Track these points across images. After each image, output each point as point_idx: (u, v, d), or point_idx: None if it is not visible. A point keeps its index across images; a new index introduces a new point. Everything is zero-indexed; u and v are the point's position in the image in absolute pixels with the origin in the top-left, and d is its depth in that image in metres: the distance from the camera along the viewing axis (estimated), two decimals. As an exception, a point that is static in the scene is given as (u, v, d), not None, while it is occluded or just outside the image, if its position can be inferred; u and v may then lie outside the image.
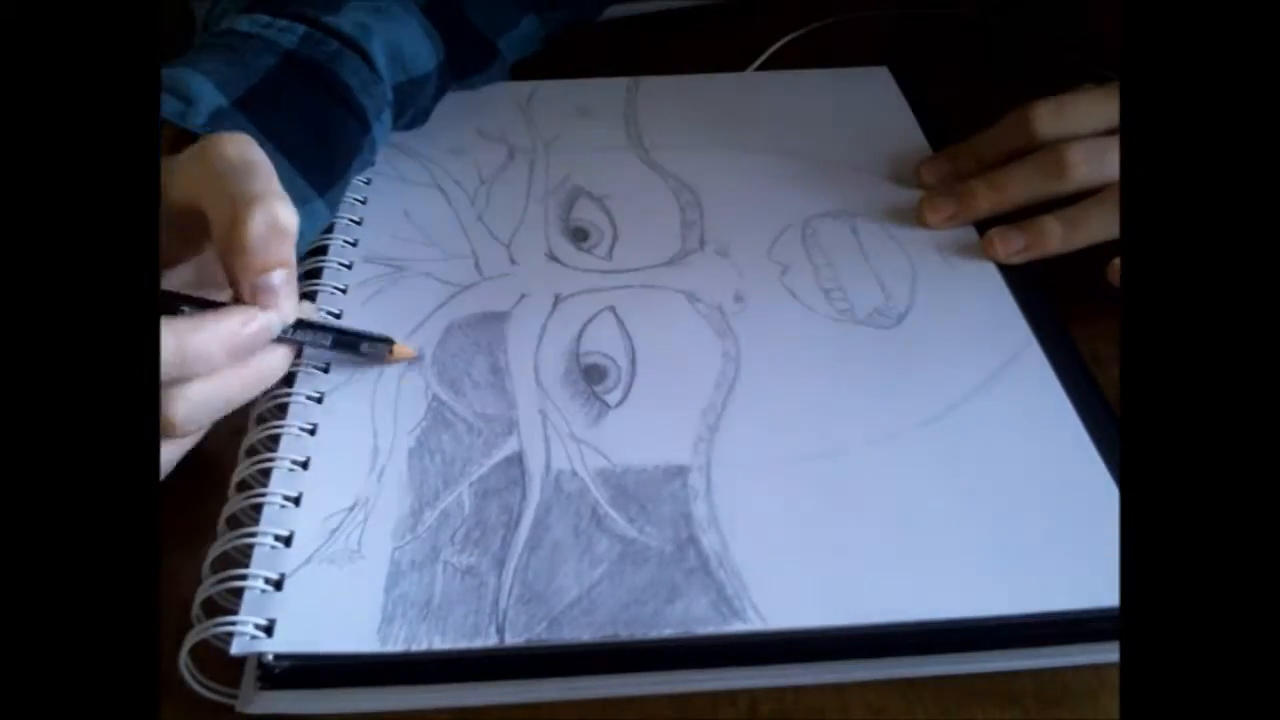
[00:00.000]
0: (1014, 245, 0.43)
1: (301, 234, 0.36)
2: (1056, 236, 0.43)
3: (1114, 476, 0.34)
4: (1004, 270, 0.43)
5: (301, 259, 0.43)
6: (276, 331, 0.35)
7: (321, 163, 0.43)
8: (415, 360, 0.39)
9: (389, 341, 0.38)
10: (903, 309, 0.41)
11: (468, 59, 0.53)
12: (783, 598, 0.31)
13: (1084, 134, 0.44)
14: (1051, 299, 0.42)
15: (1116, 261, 0.41)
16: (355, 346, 0.38)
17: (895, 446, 0.36)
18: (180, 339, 0.32)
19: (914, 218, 0.46)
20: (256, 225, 0.33)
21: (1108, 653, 0.30)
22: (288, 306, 0.35)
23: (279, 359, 0.36)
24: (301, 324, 0.36)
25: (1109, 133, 0.44)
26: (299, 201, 0.39)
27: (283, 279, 0.34)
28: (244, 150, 0.35)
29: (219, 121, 0.39)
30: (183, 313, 0.34)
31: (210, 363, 0.33)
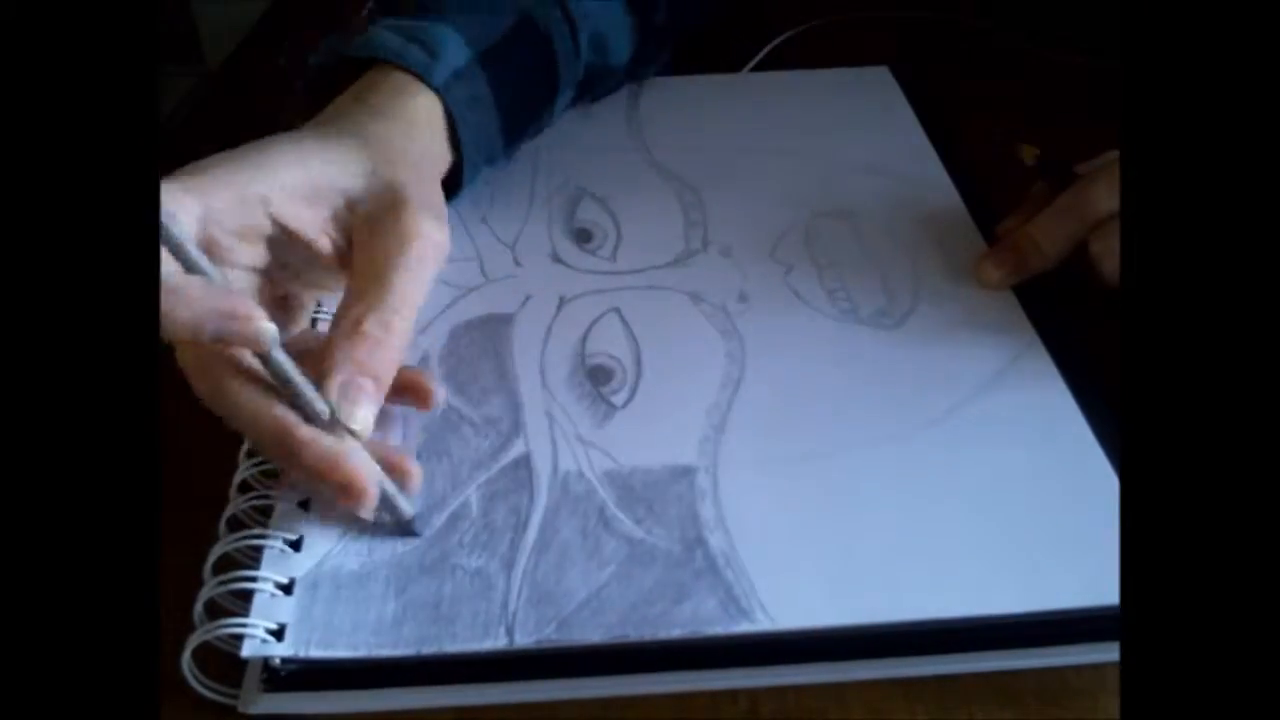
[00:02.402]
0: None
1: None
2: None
3: (1116, 475, 0.35)
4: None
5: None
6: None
7: (519, 124, 0.46)
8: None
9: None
10: (906, 309, 0.42)
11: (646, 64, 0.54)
12: (791, 597, 0.31)
13: None
14: (1054, 299, 0.42)
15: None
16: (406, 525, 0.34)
17: (899, 446, 0.36)
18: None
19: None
20: (404, 319, 0.33)
21: (1108, 652, 0.31)
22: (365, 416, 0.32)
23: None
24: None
25: None
26: (490, 158, 0.45)
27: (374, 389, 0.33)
28: (431, 253, 0.35)
29: (456, 82, 0.42)
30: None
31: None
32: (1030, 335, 0.40)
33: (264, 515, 0.33)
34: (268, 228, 0.35)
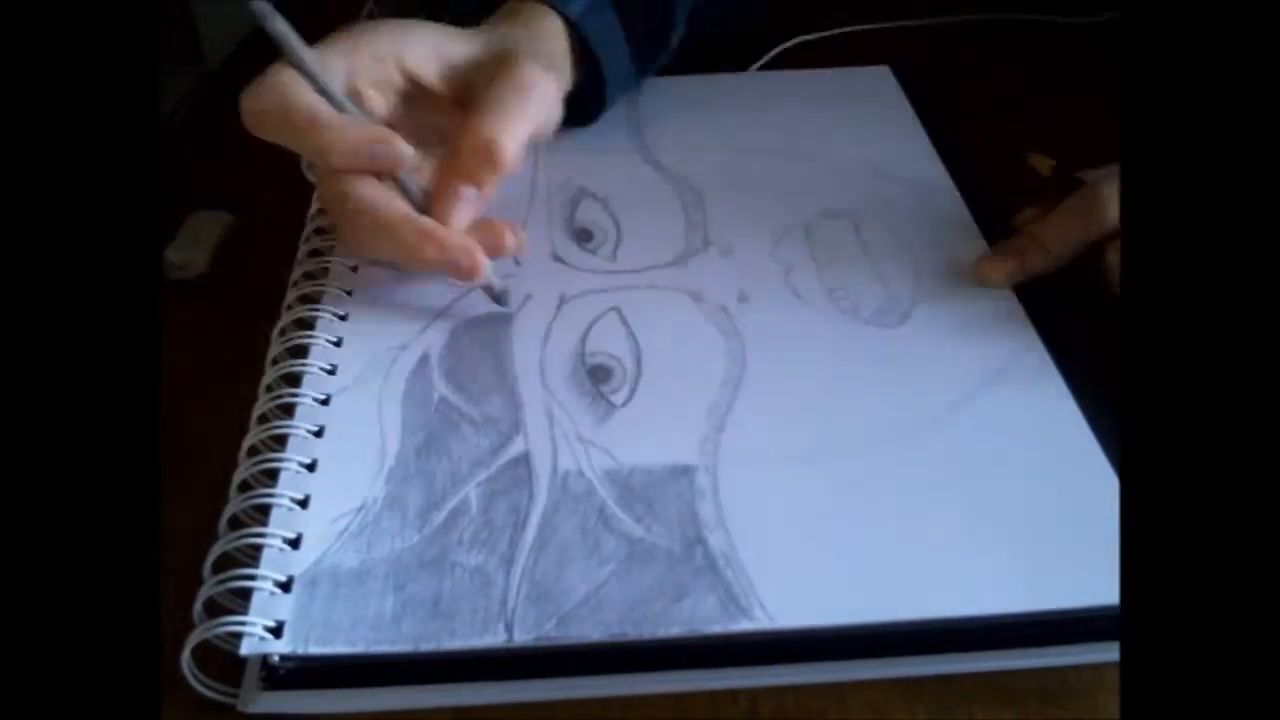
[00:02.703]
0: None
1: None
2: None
3: (1116, 474, 0.34)
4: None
5: (301, 261, 0.44)
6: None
7: (649, 54, 0.52)
8: (424, 359, 0.40)
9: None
10: (906, 308, 0.42)
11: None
12: (790, 596, 0.31)
13: None
14: (1054, 298, 0.42)
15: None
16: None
17: (899, 445, 0.36)
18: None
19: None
20: (509, 140, 0.40)
21: (1108, 652, 0.31)
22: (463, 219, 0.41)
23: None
24: None
25: None
26: (625, 86, 0.52)
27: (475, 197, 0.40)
28: (531, 83, 0.42)
29: (590, 14, 0.48)
30: None
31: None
32: (1030, 335, 0.40)
33: (264, 515, 0.33)
34: (400, 82, 0.43)
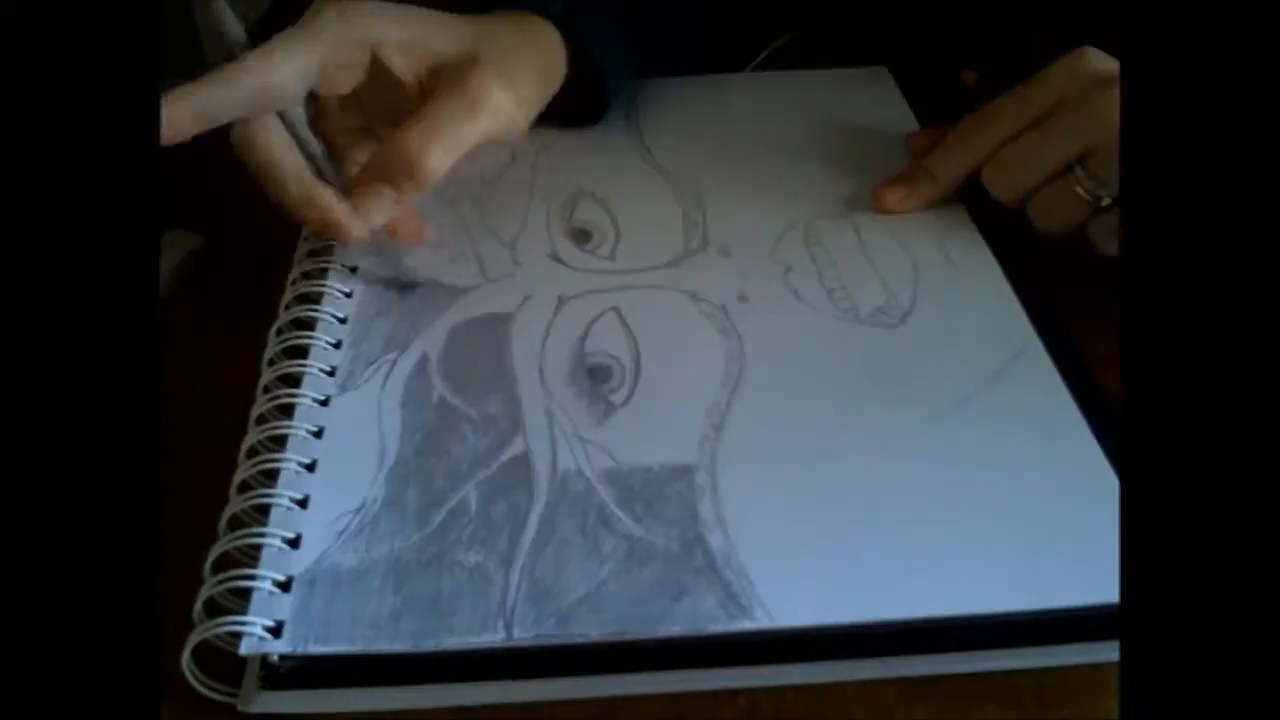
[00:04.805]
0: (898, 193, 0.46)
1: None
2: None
3: (1116, 474, 0.35)
4: (1006, 268, 0.43)
5: (300, 262, 0.44)
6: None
7: (644, 47, 0.52)
8: (424, 359, 0.40)
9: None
10: (906, 308, 0.42)
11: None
12: (790, 595, 0.31)
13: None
14: (1053, 298, 0.42)
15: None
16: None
17: (898, 445, 0.36)
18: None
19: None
20: (438, 153, 0.41)
21: (1108, 652, 0.31)
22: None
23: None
24: None
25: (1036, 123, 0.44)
26: (624, 81, 0.52)
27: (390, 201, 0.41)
28: (483, 99, 0.42)
29: (573, 11, 0.47)
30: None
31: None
32: (1029, 334, 0.40)
33: (264, 514, 0.33)
34: (369, 63, 0.42)
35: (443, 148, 0.41)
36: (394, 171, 0.41)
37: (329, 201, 0.40)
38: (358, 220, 0.41)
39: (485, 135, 0.42)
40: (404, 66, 0.43)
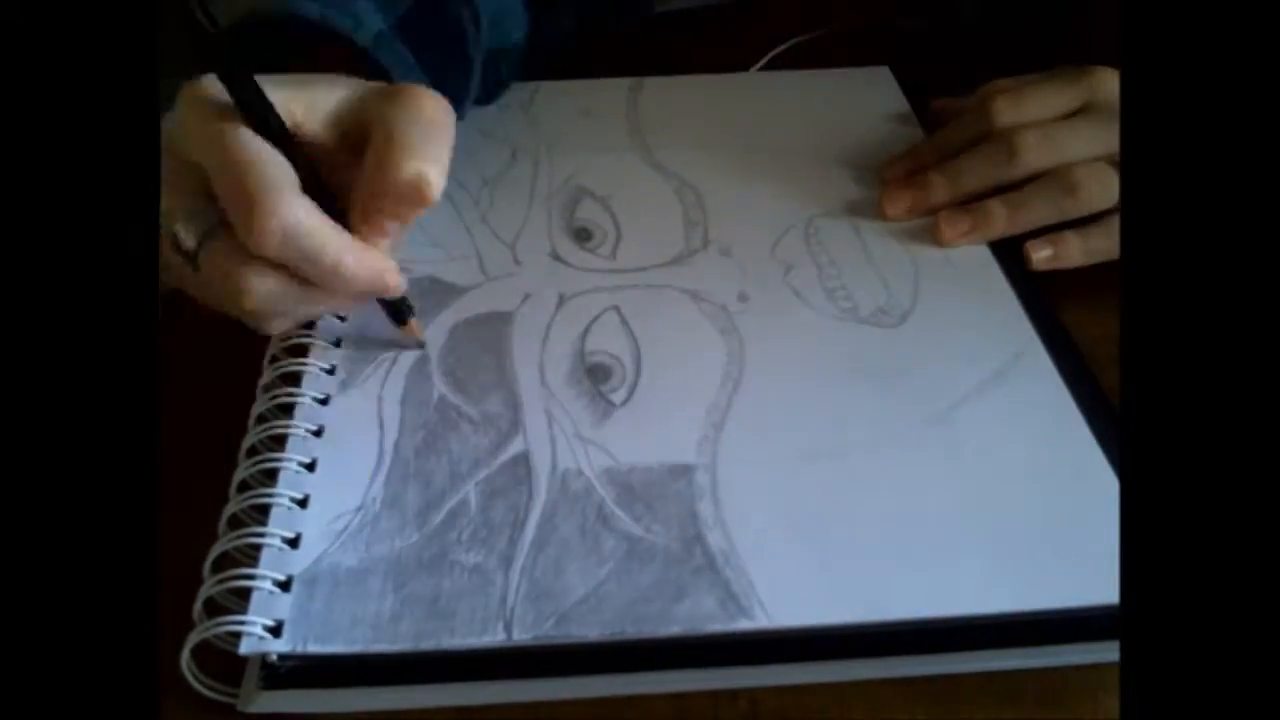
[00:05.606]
0: (960, 227, 0.45)
1: None
2: (1001, 218, 0.44)
3: (1116, 474, 0.35)
4: (1006, 269, 0.43)
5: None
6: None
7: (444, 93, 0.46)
8: (421, 351, 0.40)
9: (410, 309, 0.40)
10: (906, 308, 0.42)
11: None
12: (789, 595, 0.31)
13: (1039, 120, 0.45)
14: (1053, 298, 0.42)
15: (1029, 247, 0.44)
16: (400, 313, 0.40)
17: (898, 445, 0.36)
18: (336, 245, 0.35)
19: (875, 212, 0.47)
20: (407, 173, 0.36)
21: (1108, 652, 0.31)
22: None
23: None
24: None
25: (1064, 117, 0.45)
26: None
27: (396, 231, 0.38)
28: (441, 114, 0.37)
29: (382, 43, 0.43)
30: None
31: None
32: (1029, 334, 0.40)
33: (263, 514, 0.33)
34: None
35: (440, 166, 0.37)
36: (397, 201, 0.37)
37: (373, 254, 0.37)
38: (391, 263, 0.37)
39: (451, 134, 0.38)
40: (320, 128, 0.38)
